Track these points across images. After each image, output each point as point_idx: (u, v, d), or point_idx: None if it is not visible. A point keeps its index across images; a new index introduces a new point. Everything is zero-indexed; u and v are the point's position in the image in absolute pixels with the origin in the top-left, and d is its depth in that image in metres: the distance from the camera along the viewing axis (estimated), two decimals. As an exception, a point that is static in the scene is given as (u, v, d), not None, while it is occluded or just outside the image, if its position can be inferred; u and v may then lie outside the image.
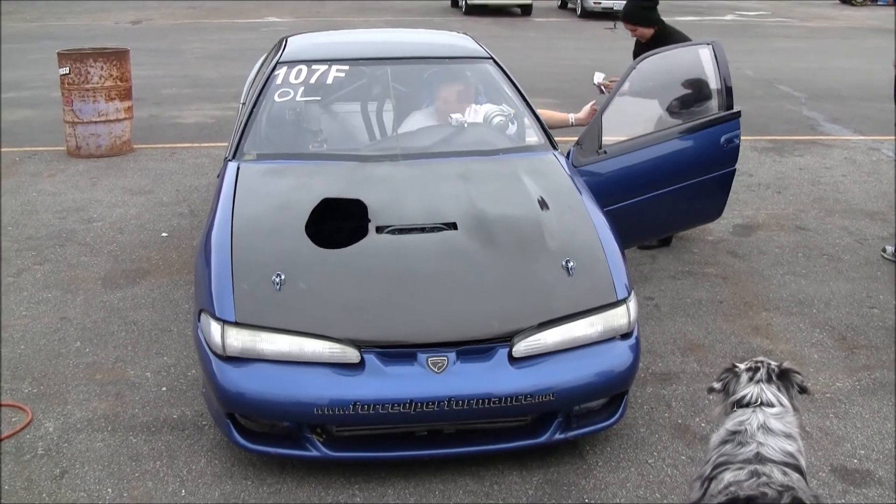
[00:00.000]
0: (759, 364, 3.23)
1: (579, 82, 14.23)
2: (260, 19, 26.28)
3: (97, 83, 9.64)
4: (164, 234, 7.30)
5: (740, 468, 2.85)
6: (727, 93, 5.99)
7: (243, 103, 6.36)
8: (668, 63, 6.26)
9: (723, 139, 5.94)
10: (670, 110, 6.30)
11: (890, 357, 5.33)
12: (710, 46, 6.11)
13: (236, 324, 3.92)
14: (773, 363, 3.24)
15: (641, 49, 6.76)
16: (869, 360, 5.32)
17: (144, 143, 10.37)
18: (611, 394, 4.17)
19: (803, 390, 3.21)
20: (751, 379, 3.18)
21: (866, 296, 6.25)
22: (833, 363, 5.28)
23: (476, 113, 5.60)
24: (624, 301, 4.15)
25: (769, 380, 3.17)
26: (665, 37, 6.66)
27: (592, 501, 3.97)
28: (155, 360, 5.20)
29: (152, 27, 24.19)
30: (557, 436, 4.06)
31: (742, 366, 3.26)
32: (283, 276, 4.04)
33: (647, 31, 6.73)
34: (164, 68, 16.34)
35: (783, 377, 3.19)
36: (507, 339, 3.93)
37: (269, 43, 6.92)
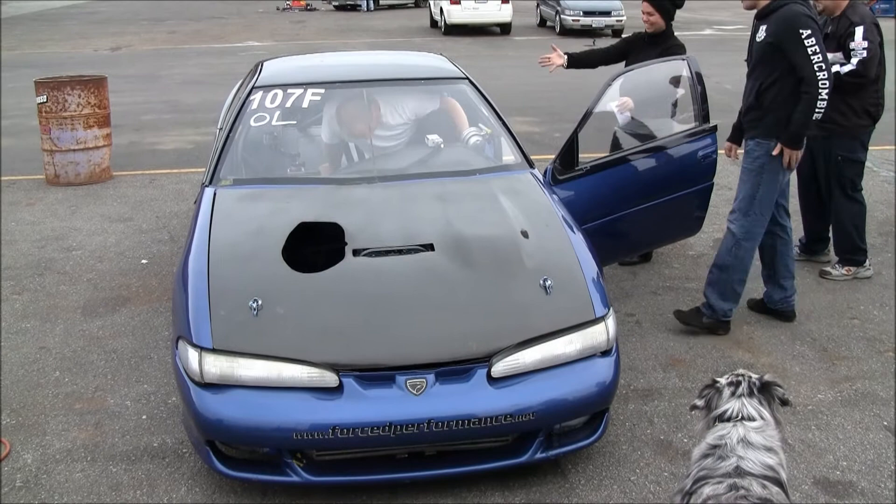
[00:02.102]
0: (741, 378, 3.22)
1: (558, 100, 14.36)
2: (240, 43, 26.33)
3: (75, 111, 9.62)
4: (143, 262, 7.28)
5: (719, 482, 2.85)
6: (703, 107, 6.01)
7: (220, 128, 6.35)
8: (644, 78, 6.29)
9: (700, 154, 5.96)
10: (647, 125, 6.31)
11: (871, 367, 5.34)
12: (686, 61, 6.13)
13: (214, 350, 3.90)
14: (755, 376, 3.23)
15: (637, 44, 6.78)
16: (850, 371, 5.33)
17: (124, 170, 10.35)
18: (591, 411, 4.16)
19: (785, 402, 3.21)
20: (732, 394, 3.17)
21: (847, 307, 6.27)
22: (814, 375, 5.29)
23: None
24: (602, 318, 4.15)
25: (750, 394, 3.16)
26: (667, 38, 6.64)
27: (575, 520, 3.97)
28: (135, 387, 5.17)
29: (132, 53, 24.19)
30: (539, 455, 4.04)
31: (723, 380, 3.25)
32: (260, 302, 4.03)
33: (661, 24, 6.60)
34: (144, 94, 16.33)
35: (764, 390, 3.18)
36: (486, 359, 3.91)
37: (249, 67, 6.93)
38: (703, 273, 6.73)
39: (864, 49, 6.21)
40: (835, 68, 6.31)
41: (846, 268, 6.76)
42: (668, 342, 5.70)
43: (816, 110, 5.26)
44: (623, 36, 7.41)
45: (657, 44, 6.60)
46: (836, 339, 5.76)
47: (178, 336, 4.13)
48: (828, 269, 6.82)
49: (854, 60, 6.26)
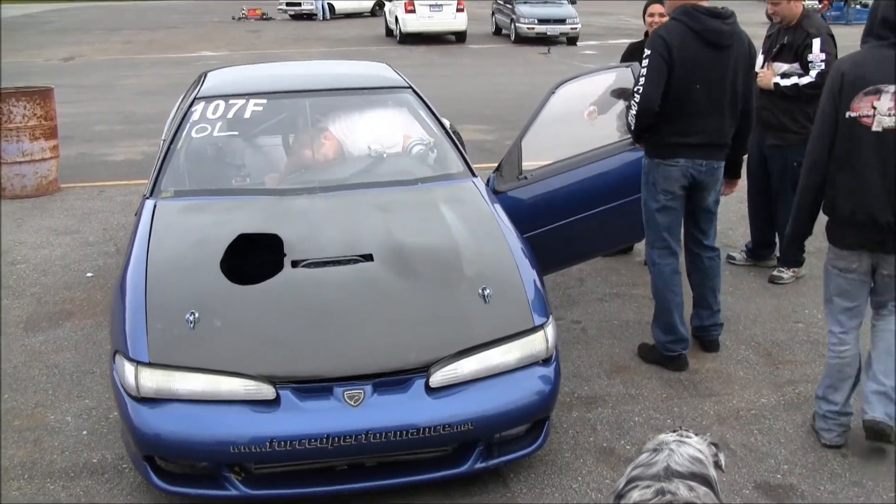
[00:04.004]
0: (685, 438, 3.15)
1: (512, 108, 14.38)
2: (194, 53, 26.17)
3: (20, 122, 9.50)
4: (89, 275, 7.19)
5: (648, 486, 2.85)
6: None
7: (164, 139, 6.30)
8: (589, 87, 6.32)
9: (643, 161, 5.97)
10: (592, 133, 6.33)
11: (813, 371, 5.38)
12: (630, 69, 6.16)
13: (150, 364, 3.86)
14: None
15: (634, 52, 6.74)
16: (793, 374, 5.38)
17: (72, 181, 10.23)
18: (531, 420, 4.15)
19: (718, 466, 3.13)
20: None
21: (792, 311, 6.33)
22: (758, 379, 5.33)
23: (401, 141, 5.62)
24: (541, 327, 4.16)
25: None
26: None
27: (516, 529, 3.96)
28: (76, 403, 5.10)
29: (85, 63, 23.96)
30: (479, 464, 4.03)
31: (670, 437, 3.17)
32: (197, 315, 3.99)
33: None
34: (96, 104, 16.19)
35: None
36: (424, 369, 3.91)
37: (203, 75, 6.90)
38: (649, 280, 6.77)
39: (822, 61, 6.33)
40: (793, 80, 6.42)
41: (792, 270, 6.83)
42: (614, 349, 5.72)
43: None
44: (627, 48, 7.32)
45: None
46: (780, 344, 5.80)
47: (115, 350, 4.09)
48: (776, 273, 6.88)
49: (813, 73, 6.36)
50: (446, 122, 6.56)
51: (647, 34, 6.81)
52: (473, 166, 5.57)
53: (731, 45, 5.11)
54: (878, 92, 4.11)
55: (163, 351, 3.91)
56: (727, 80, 5.14)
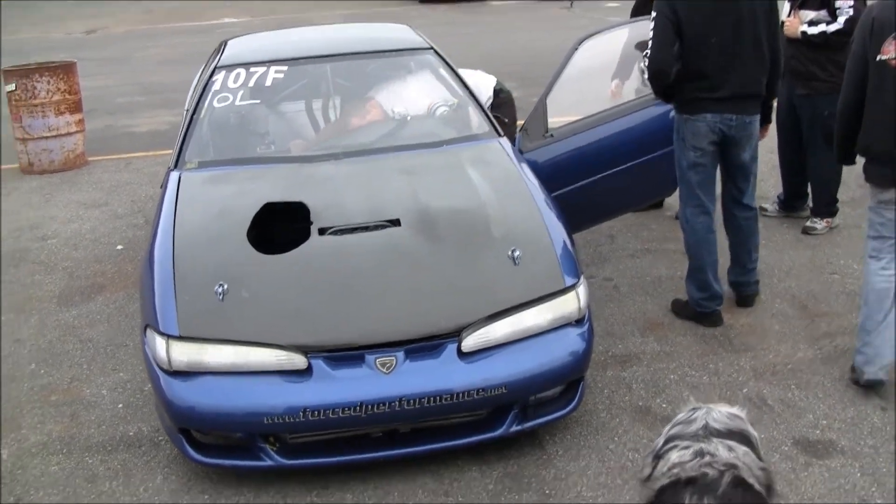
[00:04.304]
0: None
1: (534, 64, 14.20)
2: (216, 21, 26.04)
3: (45, 98, 9.51)
4: (119, 248, 7.21)
5: (687, 447, 2.80)
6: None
7: (187, 110, 6.28)
8: (612, 41, 6.22)
9: (670, 115, 5.88)
10: (619, 88, 6.25)
11: (851, 323, 5.30)
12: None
13: (180, 338, 3.86)
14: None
15: (646, 1, 6.66)
16: (830, 327, 5.30)
17: (99, 154, 10.23)
18: (565, 382, 4.13)
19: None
20: None
21: (826, 262, 6.23)
22: (794, 333, 5.27)
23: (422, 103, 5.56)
24: (573, 287, 4.11)
25: None
26: None
27: (553, 492, 3.93)
28: (111, 376, 5.12)
29: (107, 35, 23.90)
30: (514, 428, 4.02)
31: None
32: (225, 286, 3.98)
33: None
34: (118, 77, 16.15)
35: None
36: (456, 334, 3.88)
37: (224, 43, 6.85)
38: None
39: (850, 7, 6.17)
40: (821, 27, 6.27)
41: (825, 220, 6.74)
42: (647, 305, 5.67)
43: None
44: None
45: None
46: (816, 296, 5.72)
47: (145, 324, 4.10)
48: (810, 224, 6.78)
49: (841, 19, 6.20)
50: (492, 80, 6.46)
51: None
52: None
53: None
54: None
55: (193, 324, 3.90)
56: (746, 28, 5.01)
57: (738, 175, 5.35)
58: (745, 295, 5.61)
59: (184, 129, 5.34)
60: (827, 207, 6.77)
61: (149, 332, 4.02)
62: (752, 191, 5.44)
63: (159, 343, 3.89)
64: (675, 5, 4.95)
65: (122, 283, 6.46)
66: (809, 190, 6.94)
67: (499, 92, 6.54)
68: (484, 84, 6.43)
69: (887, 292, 4.48)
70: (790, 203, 7.10)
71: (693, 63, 5.02)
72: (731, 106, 5.08)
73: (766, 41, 5.10)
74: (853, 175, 7.46)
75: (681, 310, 5.50)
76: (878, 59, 4.20)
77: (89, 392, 4.97)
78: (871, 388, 4.55)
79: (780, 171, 7.13)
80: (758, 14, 5.03)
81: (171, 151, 5.44)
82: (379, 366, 3.78)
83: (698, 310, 5.38)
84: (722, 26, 4.97)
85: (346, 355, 3.82)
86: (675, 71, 5.04)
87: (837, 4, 6.21)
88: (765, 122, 5.45)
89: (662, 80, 5.08)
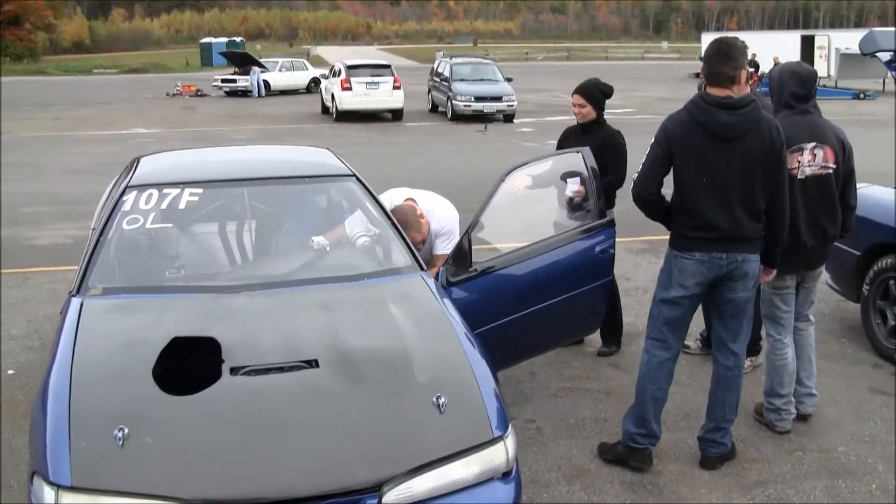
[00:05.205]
0: None
1: (453, 186, 14.19)
2: (127, 130, 25.77)
3: (-59, 208, 9.08)
4: (10, 372, 6.75)
5: None
6: (600, 201, 5.88)
7: (93, 228, 5.96)
8: (539, 172, 6.14)
9: (597, 249, 5.80)
10: (544, 221, 6.15)
11: (782, 470, 5.18)
12: (581, 154, 6.01)
13: (72, 488, 3.48)
14: None
15: (571, 137, 6.84)
16: (761, 475, 5.17)
17: (-4, 268, 9.77)
18: (492, 539, 3.85)
19: None
20: None
21: (752, 402, 6.09)
22: (725, 481, 5.12)
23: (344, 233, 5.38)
24: (501, 438, 3.86)
25: None
26: (600, 127, 6.77)
27: None
28: (-10, 522, 4.69)
29: (13, 140, 23.37)
30: None
31: None
32: (126, 430, 3.63)
33: (592, 114, 6.71)
34: (25, 185, 15.71)
35: None
36: (376, 488, 3.58)
37: (135, 156, 6.52)
38: (604, 372, 6.56)
39: None
40: None
41: (749, 359, 6.66)
42: (572, 450, 5.44)
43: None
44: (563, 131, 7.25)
45: (590, 132, 6.69)
46: (744, 440, 5.56)
47: (33, 471, 3.70)
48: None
49: None
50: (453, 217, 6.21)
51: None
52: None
53: (741, 136, 4.83)
54: (801, 149, 5.32)
55: (87, 473, 3.53)
56: (736, 174, 4.85)
57: (727, 313, 5.16)
58: (709, 456, 5.29)
59: (89, 251, 5.01)
60: (751, 346, 6.69)
61: (36, 479, 3.62)
62: (745, 336, 5.27)
63: (48, 493, 3.50)
64: (671, 138, 4.93)
65: (9, 413, 5.99)
66: None
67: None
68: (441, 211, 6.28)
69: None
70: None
71: (685, 201, 4.95)
72: (721, 246, 4.93)
73: (759, 190, 4.91)
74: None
75: (607, 451, 5.30)
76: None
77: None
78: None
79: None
80: (754, 162, 4.86)
81: (73, 268, 5.11)
82: (292, 525, 3.47)
83: (630, 444, 5.17)
84: (715, 169, 4.86)
85: (256, 511, 3.49)
86: (662, 202, 5.09)
87: None
88: (768, 264, 5.22)
89: (642, 205, 5.08)
